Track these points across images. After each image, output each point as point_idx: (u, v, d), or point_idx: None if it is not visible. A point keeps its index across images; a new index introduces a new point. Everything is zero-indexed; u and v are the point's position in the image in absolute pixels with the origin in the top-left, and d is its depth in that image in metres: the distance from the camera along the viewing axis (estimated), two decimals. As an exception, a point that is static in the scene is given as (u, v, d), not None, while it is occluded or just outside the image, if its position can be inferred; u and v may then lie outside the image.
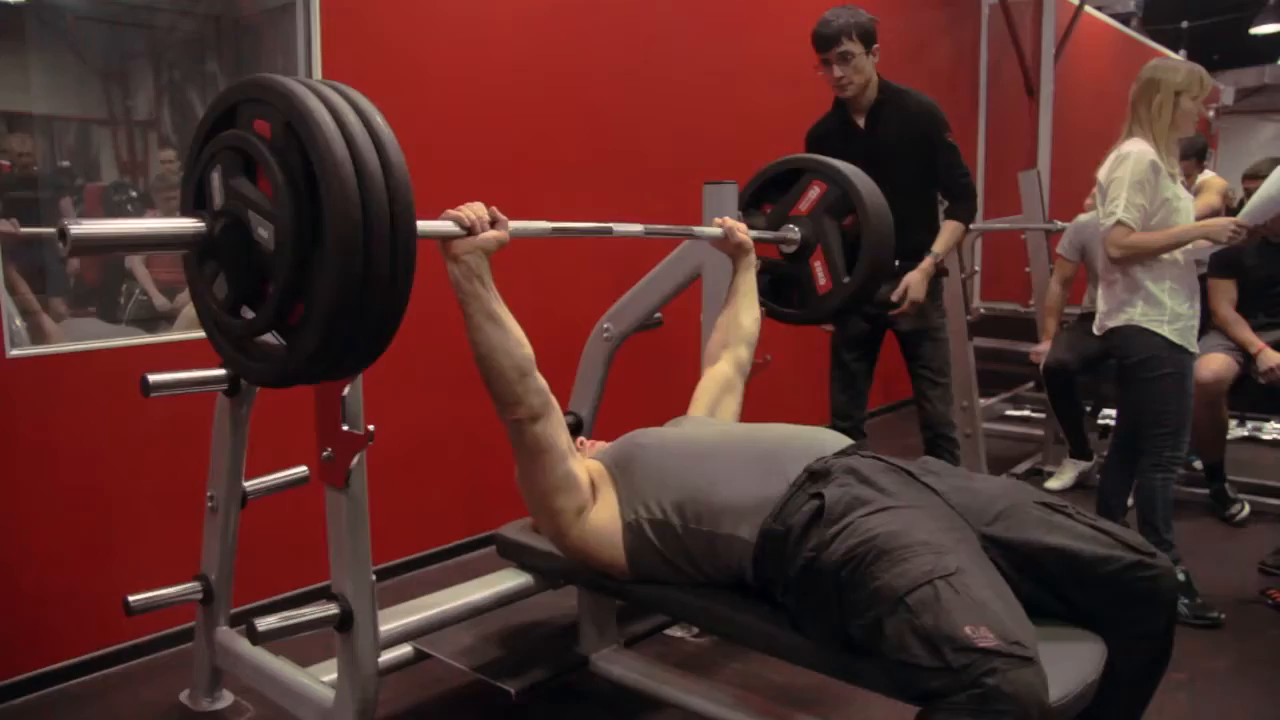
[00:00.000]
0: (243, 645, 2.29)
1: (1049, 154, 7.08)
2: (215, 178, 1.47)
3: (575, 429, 2.84)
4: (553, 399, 1.92)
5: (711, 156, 4.37)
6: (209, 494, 2.39)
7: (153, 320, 2.86)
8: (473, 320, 1.79)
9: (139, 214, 2.81)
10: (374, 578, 1.93)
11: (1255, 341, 3.76)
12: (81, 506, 2.66)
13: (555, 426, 1.92)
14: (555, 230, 2.02)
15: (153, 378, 2.10)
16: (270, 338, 1.49)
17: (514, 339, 1.83)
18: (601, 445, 2.24)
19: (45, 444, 2.56)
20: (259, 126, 1.41)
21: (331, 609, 1.90)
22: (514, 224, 1.85)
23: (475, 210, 1.78)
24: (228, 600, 2.44)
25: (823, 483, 1.78)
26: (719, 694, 2.17)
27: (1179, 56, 11.59)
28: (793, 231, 2.68)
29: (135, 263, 2.81)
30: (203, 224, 1.44)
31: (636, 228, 2.26)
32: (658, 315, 2.91)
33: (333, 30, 3.02)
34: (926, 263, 3.17)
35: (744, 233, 2.48)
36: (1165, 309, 2.97)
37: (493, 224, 1.80)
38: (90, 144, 2.76)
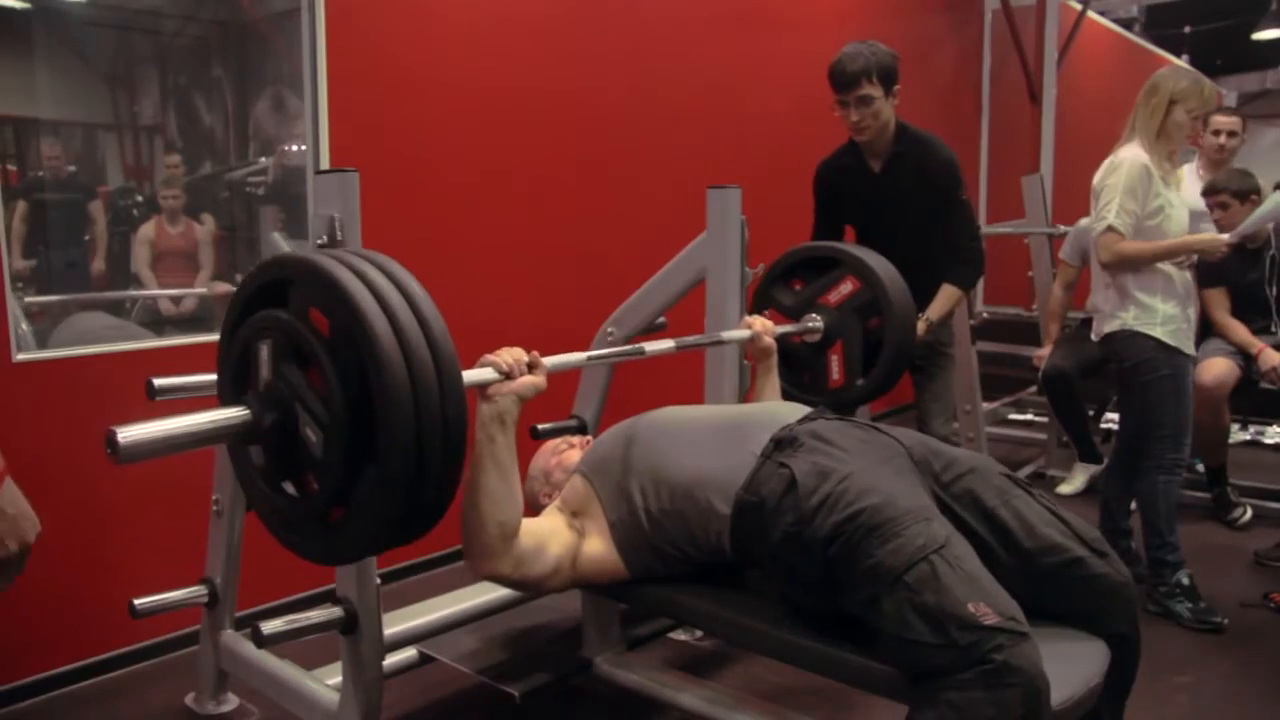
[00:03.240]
0: (248, 648, 2.30)
1: (1052, 158, 7.08)
2: (264, 351, 1.44)
3: (579, 432, 2.85)
4: (522, 552, 1.83)
5: (716, 162, 4.38)
6: (214, 497, 2.40)
7: (158, 323, 2.87)
8: (480, 461, 1.73)
9: (144, 219, 2.82)
10: (378, 581, 1.94)
11: (1254, 343, 3.80)
12: (87, 510, 2.67)
13: (524, 569, 1.84)
14: (589, 360, 1.99)
15: (158, 381, 2.11)
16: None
17: (512, 496, 1.77)
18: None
19: (50, 447, 2.57)
20: (316, 319, 1.37)
21: (336, 612, 1.91)
22: (549, 360, 1.82)
23: (514, 354, 1.75)
24: (233, 603, 2.44)
25: (790, 450, 1.80)
26: (722, 696, 2.17)
27: (1181, 61, 11.61)
28: (815, 322, 2.67)
29: (140, 265, 2.82)
30: (249, 414, 1.42)
31: (668, 344, 2.20)
32: (661, 319, 2.92)
33: (337, 36, 3.03)
34: (920, 327, 2.99)
35: (770, 335, 2.44)
36: (1157, 313, 2.99)
37: (530, 368, 1.77)
38: (96, 149, 2.77)
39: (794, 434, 1.84)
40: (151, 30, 2.80)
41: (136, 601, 2.32)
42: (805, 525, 1.67)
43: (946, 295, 3.13)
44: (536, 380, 1.77)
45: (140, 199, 2.84)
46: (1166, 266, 3.00)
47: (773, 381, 2.46)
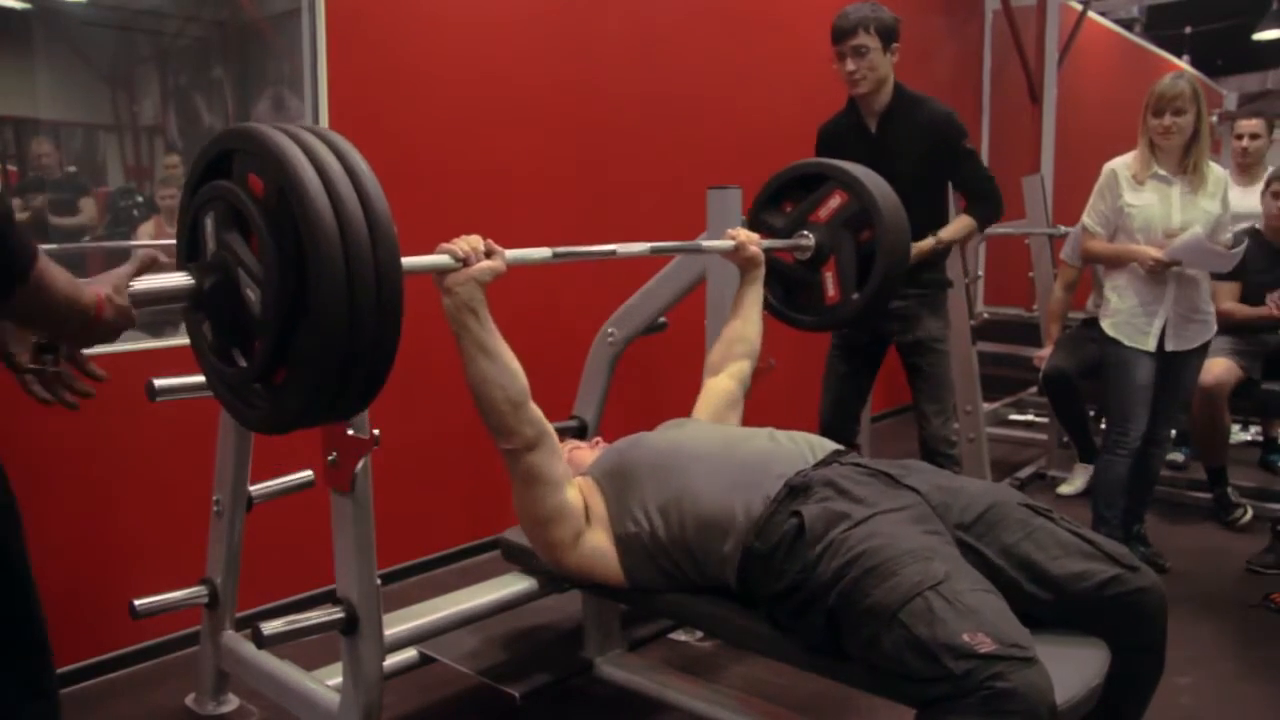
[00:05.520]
0: (248, 649, 2.30)
1: (1052, 159, 7.07)
2: (208, 224, 1.46)
3: (580, 433, 2.85)
4: (548, 430, 1.90)
5: (718, 163, 4.38)
6: (215, 498, 2.40)
7: (158, 324, 2.87)
8: (466, 352, 1.78)
9: (144, 220, 2.82)
10: (379, 582, 1.94)
11: (1259, 312, 3.90)
12: (87, 511, 2.67)
13: (549, 457, 1.90)
14: (555, 256, 1.98)
15: (159, 382, 2.11)
16: (260, 389, 1.49)
17: (508, 371, 1.80)
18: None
19: (51, 448, 2.57)
20: (253, 182, 1.39)
21: (337, 613, 1.91)
22: (511, 253, 1.81)
23: (470, 242, 1.75)
24: (233, 604, 2.44)
25: (802, 498, 1.78)
26: (722, 698, 2.18)
27: (1182, 63, 11.62)
28: (806, 239, 2.62)
29: (141, 267, 2.82)
30: (192, 280, 1.44)
31: (642, 247, 2.21)
32: (662, 319, 2.92)
33: (338, 36, 3.03)
34: (927, 242, 3.07)
35: (755, 244, 2.43)
36: (1110, 305, 3.34)
37: (488, 255, 1.77)
38: (96, 149, 2.77)
39: (809, 480, 1.82)
40: (151, 30, 2.80)
41: (137, 602, 2.32)
42: (809, 573, 1.66)
43: (963, 223, 3.23)
44: (494, 265, 1.76)
45: (140, 199, 2.83)
46: (1137, 266, 3.25)
47: (756, 292, 2.46)
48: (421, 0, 3.28)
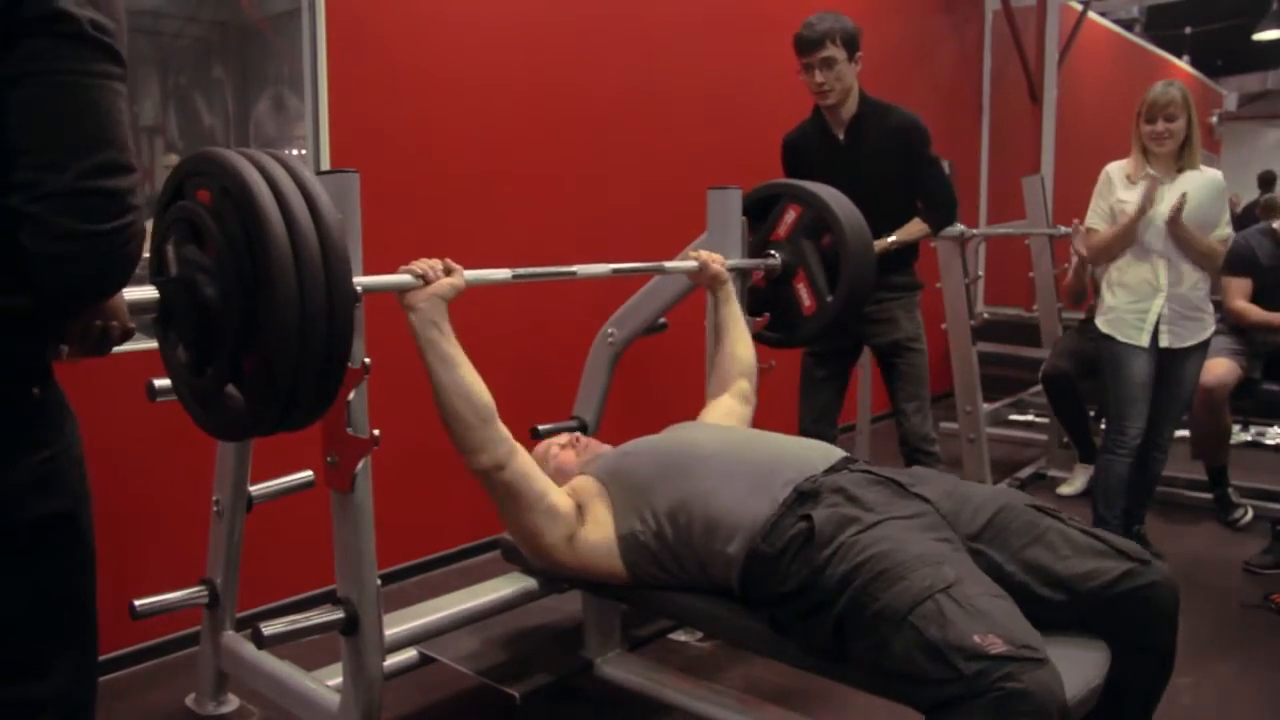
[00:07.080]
0: (248, 649, 2.30)
1: (1052, 159, 7.08)
2: (169, 249, 1.53)
3: (579, 434, 2.84)
4: (518, 447, 1.95)
5: (717, 164, 4.38)
6: (214, 498, 2.40)
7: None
8: (430, 367, 1.86)
9: (143, 219, 2.82)
10: (379, 582, 1.94)
11: (1275, 318, 3.84)
12: (87, 510, 2.66)
13: (522, 470, 1.95)
14: (515, 277, 2.05)
15: (159, 383, 2.10)
16: (232, 391, 1.54)
17: (469, 384, 1.87)
18: (597, 447, 2.26)
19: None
20: (201, 195, 1.48)
21: (337, 613, 1.91)
22: (470, 273, 1.90)
23: (430, 262, 1.85)
24: (233, 604, 2.44)
25: (811, 503, 1.79)
26: (723, 698, 2.18)
27: (1182, 63, 11.62)
28: (772, 258, 2.71)
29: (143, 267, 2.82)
30: (155, 291, 1.51)
31: (603, 268, 2.26)
32: (662, 320, 2.92)
33: (338, 37, 3.03)
34: (882, 242, 3.04)
35: (719, 264, 2.47)
36: (1105, 303, 3.38)
37: (447, 273, 1.86)
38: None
39: (818, 486, 1.83)
40: (151, 30, 2.80)
41: (137, 602, 2.31)
42: (818, 575, 1.67)
43: (916, 227, 3.23)
44: (454, 281, 1.86)
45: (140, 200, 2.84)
46: (1128, 263, 3.29)
47: (733, 311, 2.52)
48: (421, 1, 3.28)
